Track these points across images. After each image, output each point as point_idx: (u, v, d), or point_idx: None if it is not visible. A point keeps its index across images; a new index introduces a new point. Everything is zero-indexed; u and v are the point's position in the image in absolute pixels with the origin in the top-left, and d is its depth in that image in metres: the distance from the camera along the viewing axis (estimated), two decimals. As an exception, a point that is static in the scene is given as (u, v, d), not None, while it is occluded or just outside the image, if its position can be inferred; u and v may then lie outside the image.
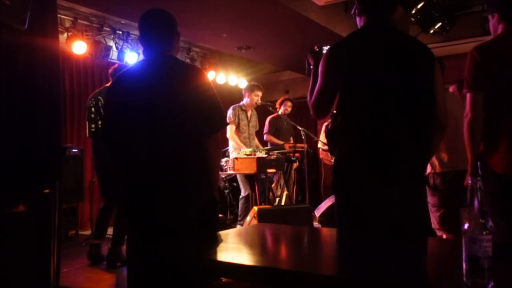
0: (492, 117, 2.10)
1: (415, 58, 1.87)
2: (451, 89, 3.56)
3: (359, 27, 1.98)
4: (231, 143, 5.35)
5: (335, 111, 1.91)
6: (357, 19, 1.99)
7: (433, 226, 3.07)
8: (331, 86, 1.89)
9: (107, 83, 4.16)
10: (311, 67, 2.14)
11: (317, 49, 2.14)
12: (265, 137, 5.93)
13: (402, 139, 1.82)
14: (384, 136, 1.81)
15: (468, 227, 1.02)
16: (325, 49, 2.12)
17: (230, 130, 5.19)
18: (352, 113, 1.86)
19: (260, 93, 5.36)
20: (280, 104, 5.95)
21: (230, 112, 5.25)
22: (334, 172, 1.92)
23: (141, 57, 5.83)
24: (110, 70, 4.02)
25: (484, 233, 1.01)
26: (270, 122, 5.97)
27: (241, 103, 5.43)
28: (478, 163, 2.13)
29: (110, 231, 3.92)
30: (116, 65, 4.14)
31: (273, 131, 5.92)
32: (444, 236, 3.01)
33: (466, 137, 2.13)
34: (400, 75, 1.83)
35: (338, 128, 1.89)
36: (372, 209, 1.77)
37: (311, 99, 1.98)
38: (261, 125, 5.89)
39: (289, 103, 5.97)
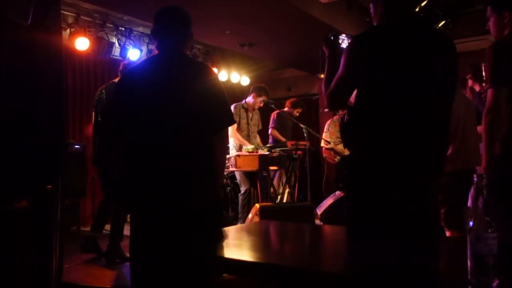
0: None
1: (440, 52, 1.81)
2: None
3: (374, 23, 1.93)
4: (231, 141, 5.35)
5: (353, 105, 1.86)
6: (375, 17, 1.94)
7: None
8: (353, 77, 1.82)
9: (110, 79, 4.16)
10: (326, 55, 2.04)
11: (332, 37, 2.03)
12: (270, 131, 5.85)
13: (423, 137, 1.78)
14: (404, 133, 1.76)
15: (473, 225, 1.02)
16: (340, 37, 2.03)
17: (232, 128, 5.18)
18: (374, 108, 1.79)
19: (266, 99, 5.37)
20: (292, 106, 5.96)
21: (232, 110, 5.24)
22: (348, 166, 1.89)
23: (144, 52, 5.87)
24: (120, 67, 4.02)
25: (489, 231, 1.00)
26: (277, 117, 5.90)
27: (244, 101, 5.42)
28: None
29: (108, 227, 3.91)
30: (126, 62, 4.12)
31: (279, 126, 5.87)
32: (447, 233, 3.01)
33: (486, 135, 2.00)
34: (424, 71, 1.77)
35: (356, 122, 1.84)
36: (384, 205, 1.75)
37: (327, 89, 1.91)
38: (264, 123, 5.83)
39: (300, 109, 6.03)
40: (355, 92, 1.86)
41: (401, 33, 1.81)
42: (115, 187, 3.71)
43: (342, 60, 1.83)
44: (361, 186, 1.81)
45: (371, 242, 1.58)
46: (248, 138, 5.36)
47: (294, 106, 6.01)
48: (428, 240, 1.71)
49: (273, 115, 5.92)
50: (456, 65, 1.84)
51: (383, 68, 1.76)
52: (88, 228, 5.36)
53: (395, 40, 1.80)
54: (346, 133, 1.92)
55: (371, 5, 1.93)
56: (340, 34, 2.04)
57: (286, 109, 5.94)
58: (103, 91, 3.90)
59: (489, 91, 2.00)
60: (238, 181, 5.22)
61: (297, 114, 6.00)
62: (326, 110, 5.03)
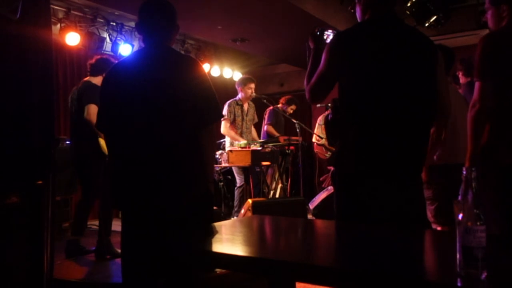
0: (502, 107, 2.03)
1: (419, 50, 1.86)
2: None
3: (359, 20, 1.97)
4: (226, 137, 5.35)
5: (336, 103, 1.90)
6: (358, 13, 1.97)
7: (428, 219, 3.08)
8: (332, 74, 1.87)
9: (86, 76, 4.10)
10: (311, 50, 2.09)
11: (318, 33, 2.09)
12: (265, 127, 5.85)
13: (405, 132, 1.81)
14: (387, 129, 1.80)
15: (462, 217, 1.03)
16: (326, 33, 2.09)
17: (224, 126, 5.17)
18: (356, 105, 1.83)
19: (253, 85, 5.32)
20: (286, 103, 5.94)
21: (225, 108, 5.23)
22: (335, 163, 1.91)
23: (136, 47, 5.83)
24: (92, 61, 3.93)
25: (478, 223, 1.01)
26: (272, 113, 5.90)
27: (237, 97, 5.41)
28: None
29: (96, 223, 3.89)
30: (94, 60, 3.96)
31: (275, 123, 5.89)
32: (439, 229, 3.02)
33: (470, 127, 2.06)
34: (405, 67, 1.81)
35: (340, 120, 1.88)
36: (370, 201, 1.77)
37: (308, 82, 1.96)
38: (260, 116, 5.85)
39: (294, 107, 6.00)
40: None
41: (382, 31, 1.84)
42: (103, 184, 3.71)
43: (323, 56, 1.87)
44: (347, 182, 1.84)
45: (361, 236, 1.59)
46: (242, 135, 5.35)
47: (288, 103, 5.98)
48: (417, 233, 1.73)
49: (268, 111, 5.91)
50: (434, 62, 1.87)
51: (363, 66, 1.79)
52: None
53: (376, 38, 1.83)
54: (330, 130, 1.95)
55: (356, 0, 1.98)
56: (326, 30, 2.10)
57: (280, 105, 5.92)
58: (75, 91, 3.89)
59: (476, 84, 2.04)
60: (235, 174, 5.23)
61: (291, 111, 5.98)
62: (318, 105, 5.03)
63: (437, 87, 1.90)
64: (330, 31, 2.09)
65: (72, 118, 3.92)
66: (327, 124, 1.99)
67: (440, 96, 1.92)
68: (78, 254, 3.77)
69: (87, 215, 3.99)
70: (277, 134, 5.72)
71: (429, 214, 3.06)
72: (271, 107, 5.85)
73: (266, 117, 5.93)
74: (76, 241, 3.82)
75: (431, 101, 1.88)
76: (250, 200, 4.05)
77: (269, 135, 5.79)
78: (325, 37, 2.09)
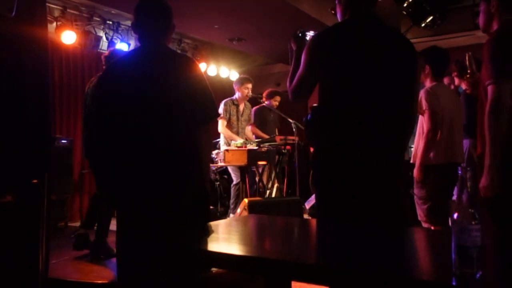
0: None
1: (398, 51, 1.86)
2: (445, 81, 3.58)
3: (339, 20, 1.97)
4: (221, 137, 5.34)
5: (315, 104, 1.91)
6: (339, 13, 1.98)
7: (419, 218, 3.10)
8: (312, 75, 1.89)
9: (98, 73, 4.09)
10: (293, 51, 2.11)
11: (300, 34, 2.12)
12: (249, 127, 5.72)
13: (382, 133, 1.81)
14: (363, 130, 1.80)
15: (458, 217, 1.03)
16: (308, 34, 2.10)
17: (221, 125, 5.16)
18: (333, 105, 1.84)
19: (250, 86, 5.29)
20: (268, 96, 5.79)
21: (221, 107, 5.21)
22: (313, 165, 1.92)
23: (132, 46, 5.81)
24: (106, 54, 3.92)
25: (473, 223, 1.01)
26: (256, 113, 5.76)
27: (234, 97, 5.40)
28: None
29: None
30: (107, 52, 4.02)
31: (259, 122, 5.76)
32: (432, 228, 3.03)
33: (490, 131, 1.94)
34: (382, 69, 1.81)
35: (318, 121, 1.88)
36: (350, 202, 1.77)
37: (290, 84, 1.99)
38: (252, 116, 5.82)
39: (278, 98, 5.82)
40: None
41: (361, 32, 1.85)
42: (102, 182, 3.69)
43: (302, 57, 1.88)
44: (330, 182, 1.84)
45: (356, 236, 1.59)
46: (238, 134, 5.34)
47: (270, 96, 5.78)
48: (410, 232, 1.74)
49: (252, 111, 5.77)
50: (414, 64, 1.86)
51: (342, 66, 1.80)
52: (75, 223, 5.33)
53: (354, 39, 1.84)
54: (309, 131, 1.96)
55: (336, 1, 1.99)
56: (308, 31, 2.12)
57: (266, 102, 5.76)
58: (93, 85, 3.86)
59: (491, 87, 1.95)
60: (231, 172, 5.21)
61: (277, 103, 5.81)
62: (315, 105, 5.00)
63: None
64: (312, 32, 2.10)
65: (85, 111, 3.86)
66: (306, 124, 1.98)
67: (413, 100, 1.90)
68: (86, 248, 3.76)
69: (99, 209, 3.96)
70: (262, 134, 5.57)
71: (422, 214, 3.07)
72: (256, 107, 5.74)
73: (251, 117, 5.77)
74: (85, 235, 3.81)
75: (410, 100, 1.88)
76: (246, 200, 4.05)
77: (256, 136, 5.65)
78: (307, 38, 2.10)
